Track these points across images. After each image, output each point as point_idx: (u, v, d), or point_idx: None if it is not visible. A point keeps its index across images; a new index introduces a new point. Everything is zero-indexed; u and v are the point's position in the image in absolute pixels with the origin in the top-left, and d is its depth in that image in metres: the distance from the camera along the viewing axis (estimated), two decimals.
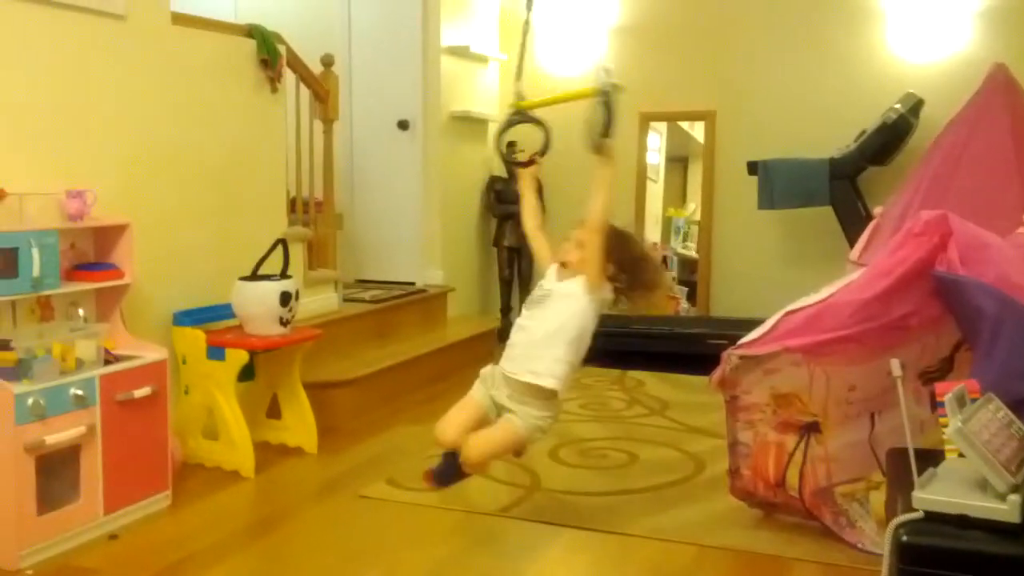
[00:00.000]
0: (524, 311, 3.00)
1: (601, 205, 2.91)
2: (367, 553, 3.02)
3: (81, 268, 3.33)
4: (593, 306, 2.90)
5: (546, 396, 2.88)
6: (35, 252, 2.98)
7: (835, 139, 5.55)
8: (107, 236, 3.41)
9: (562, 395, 2.93)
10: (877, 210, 4.19)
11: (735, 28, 6.01)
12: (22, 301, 3.12)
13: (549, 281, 2.98)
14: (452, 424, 2.95)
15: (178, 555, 2.97)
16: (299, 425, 4.00)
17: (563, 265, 2.97)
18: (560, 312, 2.88)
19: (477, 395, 2.98)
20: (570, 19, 6.31)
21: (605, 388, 5.14)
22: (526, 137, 3.31)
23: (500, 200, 6.34)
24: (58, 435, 2.91)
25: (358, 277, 6.01)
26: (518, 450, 3.03)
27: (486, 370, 3.02)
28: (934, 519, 1.99)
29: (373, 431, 4.32)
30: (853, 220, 5.27)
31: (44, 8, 3.32)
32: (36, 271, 2.99)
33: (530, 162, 3.21)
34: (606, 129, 2.90)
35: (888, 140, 5.33)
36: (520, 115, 3.23)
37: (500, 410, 2.94)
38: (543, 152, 3.18)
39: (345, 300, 5.22)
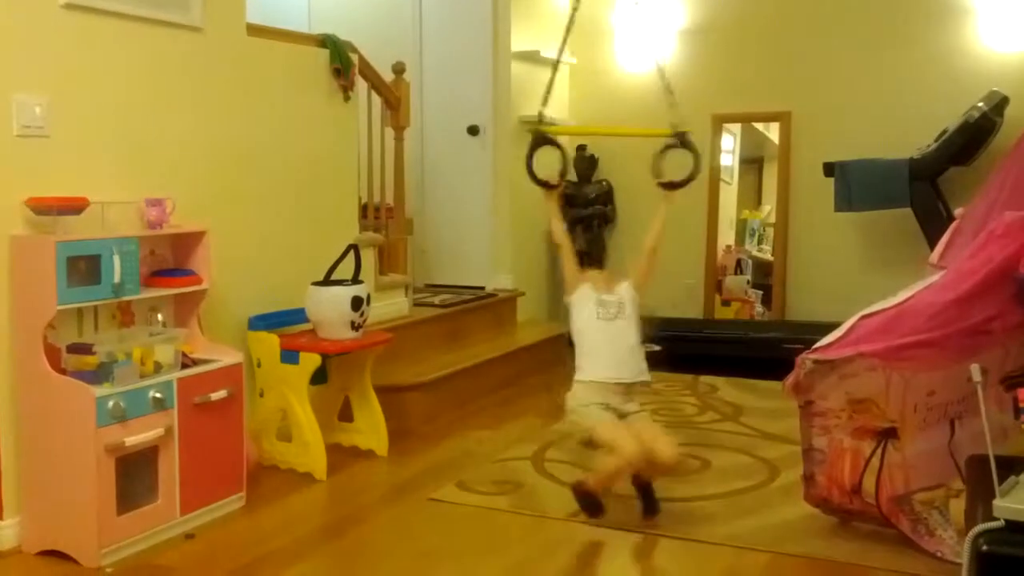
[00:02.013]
0: (600, 322, 3.36)
1: (658, 233, 3.49)
2: (438, 556, 3.04)
3: (160, 274, 3.42)
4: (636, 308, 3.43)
5: (641, 390, 3.41)
6: (116, 259, 3.07)
7: (915, 139, 5.41)
8: (185, 243, 3.49)
9: None
10: (958, 211, 4.05)
11: (808, 26, 5.90)
12: (103, 307, 3.21)
13: (607, 294, 3.40)
14: (627, 438, 3.16)
15: (252, 555, 3.03)
16: (370, 428, 4.04)
17: (603, 279, 3.47)
18: (635, 316, 3.38)
19: (606, 417, 3.25)
20: (641, 20, 6.26)
21: (677, 393, 5.09)
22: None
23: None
24: (137, 436, 2.99)
25: (428, 282, 6.06)
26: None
27: (583, 398, 3.32)
28: (1015, 528, 1.93)
29: (443, 435, 4.35)
30: (934, 222, 5.12)
31: (123, 22, 3.41)
32: (117, 277, 3.08)
33: (555, 185, 3.59)
34: (694, 171, 3.47)
35: (970, 139, 5.17)
36: (544, 139, 3.58)
37: (624, 416, 3.28)
38: (563, 175, 3.63)
39: (415, 304, 5.27)
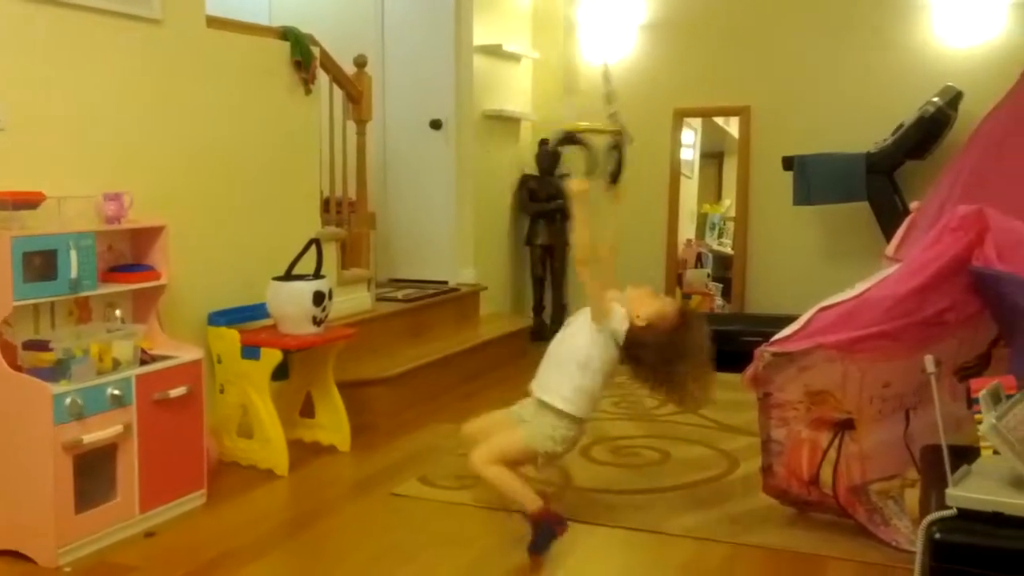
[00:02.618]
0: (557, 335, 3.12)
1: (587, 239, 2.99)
2: (400, 551, 3.03)
3: (118, 270, 3.38)
4: (601, 336, 2.97)
5: (559, 414, 2.97)
6: (73, 254, 3.03)
7: (872, 133, 5.48)
8: (144, 238, 3.46)
9: (579, 415, 3.00)
10: (914, 205, 4.13)
11: (767, 22, 5.96)
12: (60, 303, 3.17)
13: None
14: (475, 424, 3.10)
15: (213, 552, 3.00)
16: (333, 424, 4.03)
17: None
18: (575, 336, 3.03)
19: (505, 410, 3.11)
20: (604, 15, 6.29)
21: (638, 386, 5.11)
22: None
23: (533, 198, 6.34)
24: (95, 434, 2.95)
25: (391, 276, 6.04)
26: (528, 459, 3.04)
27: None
28: (968, 516, 1.97)
29: (406, 430, 4.34)
30: (890, 215, 5.19)
31: (79, 13, 3.37)
32: (74, 273, 3.04)
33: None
34: (616, 175, 3.20)
35: (926, 134, 5.25)
36: (571, 138, 3.37)
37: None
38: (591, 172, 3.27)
39: (378, 299, 5.25)
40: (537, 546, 2.90)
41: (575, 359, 2.98)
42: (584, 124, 3.38)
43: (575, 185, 3.02)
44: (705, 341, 2.98)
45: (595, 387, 3.01)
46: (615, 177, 3.22)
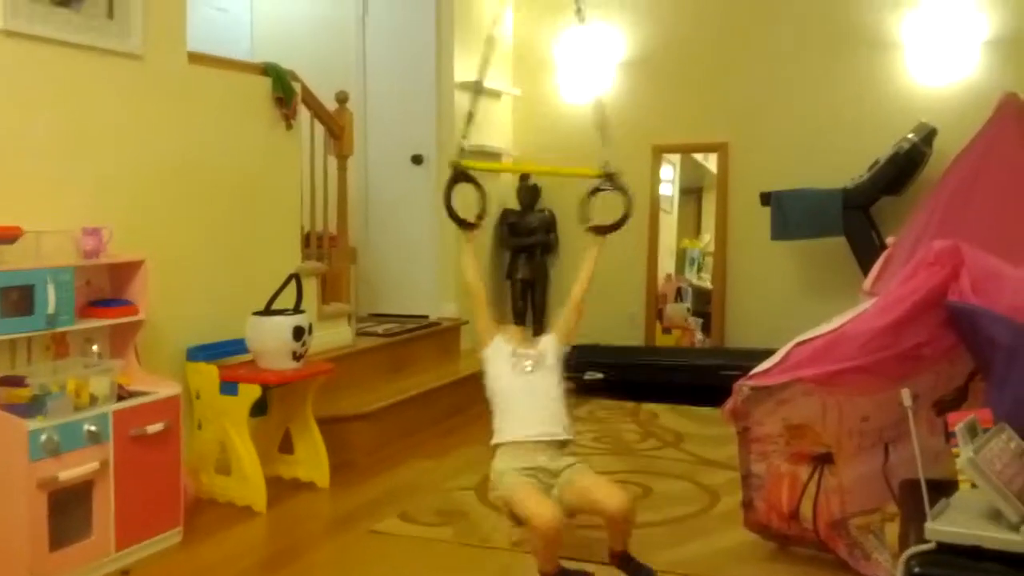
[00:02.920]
0: (517, 376, 3.11)
1: (587, 282, 3.24)
2: None
3: (96, 304, 3.36)
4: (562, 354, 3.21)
5: (567, 448, 3.08)
6: (51, 289, 3.02)
7: (848, 170, 5.54)
8: (122, 272, 3.44)
9: None
10: (890, 240, 4.18)
11: (746, 60, 6.04)
12: (37, 338, 3.15)
13: (528, 347, 3.18)
14: (544, 504, 2.80)
15: None
16: (312, 460, 4.00)
17: (520, 334, 3.30)
18: (558, 367, 3.14)
19: (529, 482, 2.90)
20: (583, 53, 6.36)
21: (619, 421, 5.12)
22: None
23: (513, 233, 6.36)
24: (71, 471, 2.92)
25: (372, 311, 6.03)
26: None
27: (501, 465, 3.00)
28: (946, 550, 1.97)
29: (386, 465, 4.31)
30: (867, 250, 5.24)
31: (61, 49, 3.38)
32: (51, 308, 3.02)
33: (474, 225, 3.31)
34: (627, 212, 3.25)
35: (901, 170, 5.31)
36: (463, 175, 3.32)
37: (556, 475, 2.94)
38: (481, 216, 3.33)
39: (359, 334, 5.24)
40: None
41: (556, 392, 3.12)
42: (473, 163, 3.37)
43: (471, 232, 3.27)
44: None
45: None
46: (624, 221, 3.27)
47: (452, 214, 3.27)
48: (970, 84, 5.45)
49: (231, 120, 4.18)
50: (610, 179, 3.26)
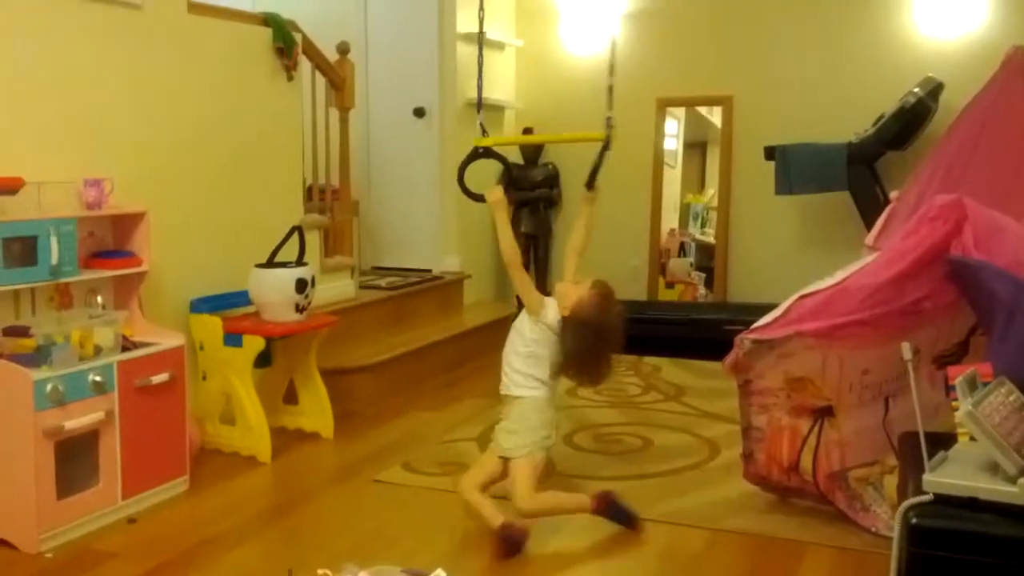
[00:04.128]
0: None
1: (586, 235, 3.22)
2: (383, 537, 3.05)
3: (99, 256, 3.37)
4: (539, 328, 3.06)
5: (511, 404, 3.07)
6: (54, 240, 3.02)
7: (853, 124, 5.51)
8: (125, 224, 3.44)
9: (533, 405, 3.05)
10: (894, 194, 4.16)
11: (751, 12, 5.97)
12: (41, 289, 3.16)
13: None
14: (473, 476, 3.07)
15: (195, 539, 3.01)
16: (315, 411, 4.03)
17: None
18: (520, 332, 3.12)
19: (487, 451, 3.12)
20: (586, 3, 6.29)
21: (621, 374, 5.14)
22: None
23: (517, 187, 6.31)
24: (77, 420, 2.95)
25: (375, 264, 6.04)
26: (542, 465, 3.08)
27: None
28: (944, 502, 1.99)
29: (389, 417, 4.35)
30: (871, 205, 5.23)
31: None
32: (55, 259, 3.03)
33: (482, 197, 3.29)
34: (593, 178, 3.25)
35: (906, 124, 5.28)
36: (486, 152, 3.43)
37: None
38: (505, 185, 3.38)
39: (361, 287, 5.25)
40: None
41: (515, 351, 3.09)
42: (492, 139, 3.44)
43: (493, 194, 3.19)
44: (615, 321, 3.06)
45: (541, 375, 3.06)
46: (592, 181, 3.29)
47: (465, 190, 3.38)
48: (977, 38, 5.40)
49: (232, 71, 4.15)
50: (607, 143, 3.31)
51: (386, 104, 6.03)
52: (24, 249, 2.96)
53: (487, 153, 3.44)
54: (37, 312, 3.17)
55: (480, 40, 3.68)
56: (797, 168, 5.52)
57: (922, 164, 4.20)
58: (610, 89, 3.38)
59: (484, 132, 3.49)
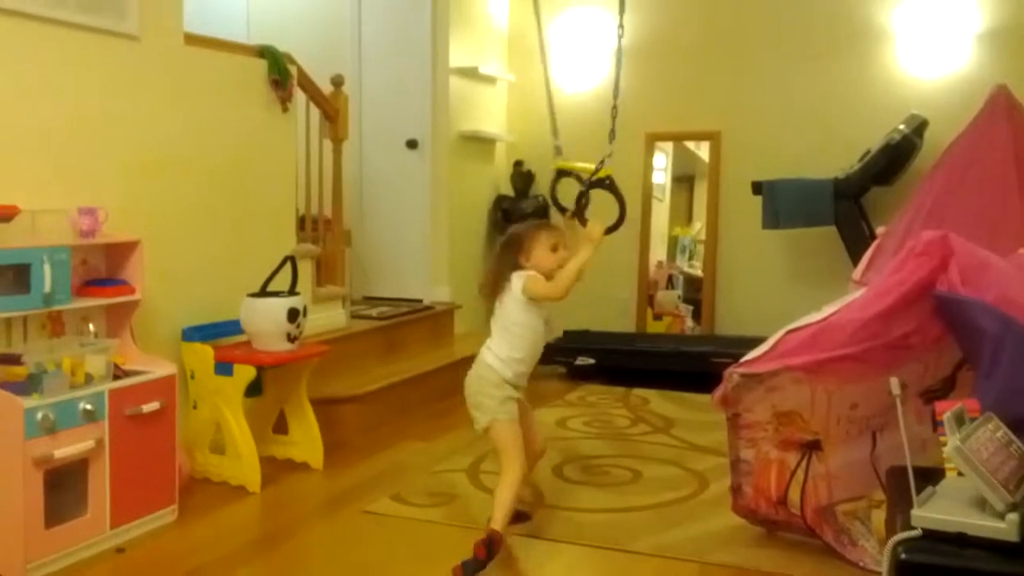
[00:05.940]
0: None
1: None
2: (371, 569, 3.04)
3: (92, 284, 3.38)
4: (521, 300, 3.21)
5: (483, 374, 3.28)
6: (47, 268, 3.03)
7: (839, 160, 5.58)
8: (118, 252, 3.45)
9: (502, 374, 3.25)
10: (880, 230, 4.21)
11: (740, 49, 6.06)
12: (33, 316, 3.16)
13: None
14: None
15: (184, 569, 2.99)
16: (306, 440, 4.03)
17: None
18: (501, 304, 3.26)
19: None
20: (580, 39, 6.36)
21: (610, 406, 5.16)
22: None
23: (507, 218, 6.36)
24: (67, 449, 2.94)
25: (366, 294, 6.05)
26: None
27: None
28: (932, 537, 2.01)
29: (379, 447, 4.34)
30: (857, 240, 5.28)
31: (57, 28, 3.37)
32: (47, 287, 3.03)
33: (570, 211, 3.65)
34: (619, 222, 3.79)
35: (892, 160, 5.35)
36: (564, 173, 3.90)
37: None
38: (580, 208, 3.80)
39: (353, 317, 5.26)
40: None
41: (497, 324, 3.29)
42: (577, 164, 3.67)
43: (596, 231, 3.23)
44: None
45: (513, 352, 3.23)
46: (617, 225, 3.73)
47: (557, 204, 3.85)
48: (961, 76, 5.49)
49: (227, 102, 4.18)
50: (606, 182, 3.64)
51: (379, 136, 6.08)
52: (17, 277, 2.97)
53: (565, 174, 4.02)
54: (29, 340, 3.17)
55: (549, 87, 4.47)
56: (784, 203, 5.58)
57: (908, 200, 4.26)
58: (612, 132, 3.65)
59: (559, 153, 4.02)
